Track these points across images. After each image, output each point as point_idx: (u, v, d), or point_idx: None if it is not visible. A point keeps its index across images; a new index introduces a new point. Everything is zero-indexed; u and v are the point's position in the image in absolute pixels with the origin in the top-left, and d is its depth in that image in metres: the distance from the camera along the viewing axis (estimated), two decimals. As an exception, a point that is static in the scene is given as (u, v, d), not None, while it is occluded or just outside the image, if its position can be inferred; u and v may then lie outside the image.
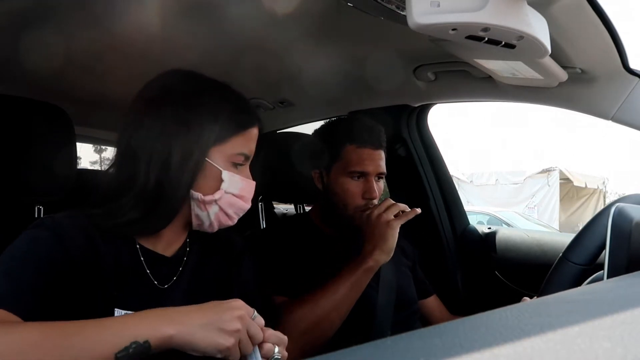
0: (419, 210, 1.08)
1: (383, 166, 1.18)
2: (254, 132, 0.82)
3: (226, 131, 0.77)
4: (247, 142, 0.80)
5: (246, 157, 0.81)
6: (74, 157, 1.04)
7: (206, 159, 0.76)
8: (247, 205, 0.81)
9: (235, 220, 0.82)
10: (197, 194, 0.76)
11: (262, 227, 1.90)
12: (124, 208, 0.73)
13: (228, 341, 0.59)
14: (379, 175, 1.17)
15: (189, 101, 0.77)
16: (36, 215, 1.04)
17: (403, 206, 1.09)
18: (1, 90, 1.03)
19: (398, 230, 1.06)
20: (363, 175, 1.15)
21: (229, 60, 1.23)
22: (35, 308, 0.63)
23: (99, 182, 0.78)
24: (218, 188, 0.77)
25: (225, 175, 0.77)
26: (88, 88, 1.42)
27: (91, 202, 0.77)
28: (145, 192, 0.73)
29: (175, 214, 0.77)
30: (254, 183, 0.82)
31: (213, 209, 0.78)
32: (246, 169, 0.82)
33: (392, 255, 1.06)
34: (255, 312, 0.64)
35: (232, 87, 0.83)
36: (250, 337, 0.62)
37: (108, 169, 0.79)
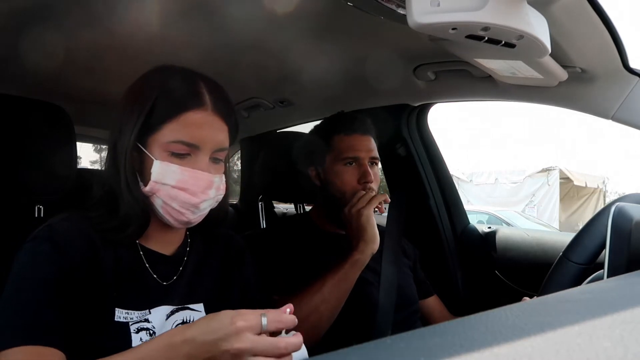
0: (388, 199, 1.12)
1: (374, 151, 1.21)
2: (193, 116, 0.72)
3: (157, 119, 0.72)
4: (184, 128, 0.71)
5: (189, 146, 0.72)
6: (74, 157, 1.04)
7: (144, 149, 0.73)
8: (196, 199, 0.72)
9: (192, 217, 0.74)
10: (142, 186, 0.74)
11: (262, 227, 1.90)
12: (105, 214, 0.74)
13: None
14: (372, 161, 1.20)
15: (132, 94, 0.76)
16: (36, 215, 1.04)
17: (374, 194, 1.12)
18: (1, 89, 1.02)
19: (372, 216, 1.08)
20: (355, 161, 1.18)
21: (229, 60, 1.23)
22: (57, 329, 0.64)
23: (96, 182, 0.79)
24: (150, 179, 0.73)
25: (156, 165, 0.71)
26: (88, 87, 1.42)
27: (90, 203, 0.77)
28: (114, 195, 0.74)
29: (139, 210, 0.74)
30: (206, 175, 0.73)
31: (157, 202, 0.74)
32: (200, 160, 0.73)
33: (377, 242, 1.07)
34: (265, 317, 0.57)
35: (178, 70, 0.77)
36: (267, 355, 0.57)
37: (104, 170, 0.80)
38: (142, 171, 0.74)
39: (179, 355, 0.57)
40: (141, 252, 0.77)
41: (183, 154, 0.72)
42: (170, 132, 0.72)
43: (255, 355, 0.56)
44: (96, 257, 0.72)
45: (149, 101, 0.72)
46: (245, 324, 0.56)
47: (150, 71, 0.78)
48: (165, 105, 0.72)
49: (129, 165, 0.73)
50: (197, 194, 0.73)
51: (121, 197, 0.73)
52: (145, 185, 0.73)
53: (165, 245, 0.81)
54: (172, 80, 0.75)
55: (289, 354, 0.58)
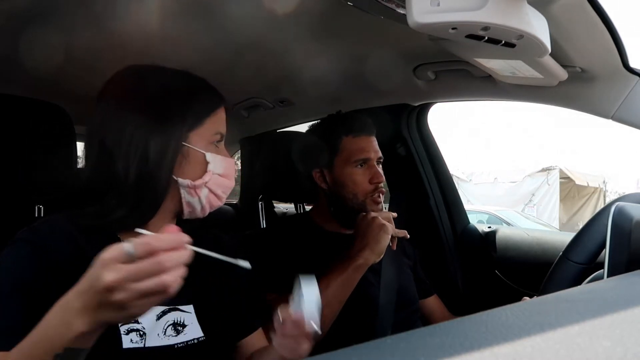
0: (407, 236, 1.15)
1: (380, 151, 1.23)
2: (223, 110, 0.83)
3: (199, 115, 0.78)
4: (220, 121, 0.81)
5: (222, 135, 0.81)
6: (74, 157, 1.04)
7: (187, 144, 0.76)
8: (232, 183, 0.82)
9: (224, 200, 0.82)
10: (186, 181, 0.76)
11: (262, 227, 1.90)
12: (110, 206, 0.73)
13: (120, 314, 0.52)
14: (378, 161, 1.22)
15: (158, 94, 0.77)
16: (36, 215, 1.05)
17: (391, 219, 1.14)
18: (1, 89, 1.02)
19: (390, 235, 1.10)
20: (366, 162, 1.19)
21: (229, 60, 1.23)
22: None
23: (77, 180, 0.77)
24: (205, 171, 0.78)
25: (210, 157, 0.78)
26: (88, 87, 1.41)
27: (75, 201, 0.76)
28: (126, 188, 0.72)
29: (159, 205, 0.76)
30: (233, 160, 0.83)
31: (203, 193, 0.78)
32: (223, 147, 0.82)
33: (381, 257, 1.09)
34: (129, 242, 0.51)
35: (191, 72, 0.83)
36: (147, 277, 0.51)
37: (85, 167, 0.78)
38: (183, 167, 0.76)
39: (73, 311, 0.53)
40: None
41: (219, 141, 0.80)
42: (212, 126, 0.79)
43: (136, 281, 0.50)
44: (81, 259, 0.70)
45: (190, 102, 0.77)
46: (108, 255, 0.51)
47: (172, 75, 0.80)
48: (206, 103, 0.79)
49: (172, 163, 0.75)
50: (232, 179, 0.82)
51: (146, 190, 0.73)
52: (198, 177, 0.77)
53: None
54: (201, 81, 0.82)
55: (176, 266, 0.52)
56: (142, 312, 0.53)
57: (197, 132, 0.77)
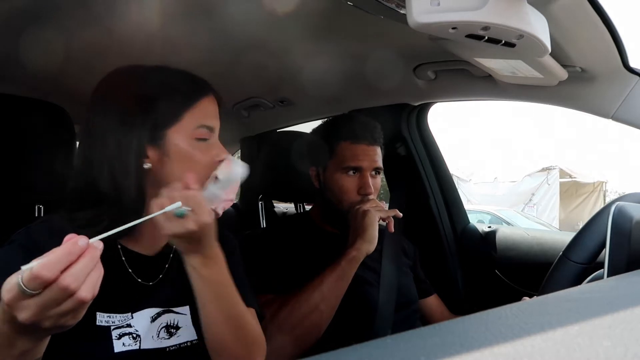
0: (399, 214, 1.13)
1: (379, 161, 1.19)
2: (208, 102, 0.77)
3: (175, 110, 0.73)
4: (203, 113, 0.75)
5: (210, 129, 0.75)
6: (74, 157, 1.04)
7: (155, 145, 0.72)
8: None
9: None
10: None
11: (262, 227, 1.90)
12: (101, 217, 0.70)
13: (55, 330, 0.51)
14: (375, 171, 1.19)
15: (126, 95, 0.73)
16: (36, 215, 1.05)
17: (383, 206, 1.13)
18: (1, 89, 1.03)
19: (377, 220, 1.09)
20: (358, 170, 1.17)
21: (229, 60, 1.23)
22: None
23: (71, 184, 0.76)
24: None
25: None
26: (88, 87, 1.41)
27: (70, 203, 0.74)
28: (112, 200, 0.70)
29: (141, 213, 0.73)
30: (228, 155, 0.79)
31: None
32: (217, 143, 0.77)
33: (375, 244, 1.08)
34: (20, 273, 0.47)
35: (169, 67, 0.78)
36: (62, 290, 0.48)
37: (78, 173, 0.76)
38: (167, 168, 0.73)
39: (10, 333, 0.52)
40: (122, 254, 0.75)
41: (205, 138, 0.75)
42: (193, 119, 0.74)
43: (51, 308, 0.49)
44: None
45: (161, 97, 0.73)
46: (8, 296, 0.48)
47: (144, 73, 0.77)
48: (181, 95, 0.74)
49: (136, 170, 0.71)
50: None
51: (129, 201, 0.71)
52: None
53: (149, 244, 0.79)
54: (176, 74, 0.77)
55: (82, 278, 0.49)
56: (77, 320, 0.53)
57: (176, 129, 0.72)
